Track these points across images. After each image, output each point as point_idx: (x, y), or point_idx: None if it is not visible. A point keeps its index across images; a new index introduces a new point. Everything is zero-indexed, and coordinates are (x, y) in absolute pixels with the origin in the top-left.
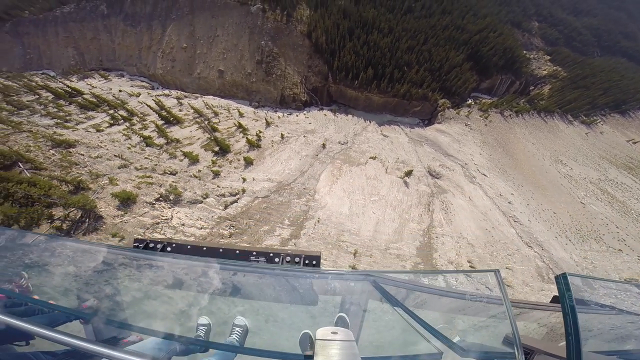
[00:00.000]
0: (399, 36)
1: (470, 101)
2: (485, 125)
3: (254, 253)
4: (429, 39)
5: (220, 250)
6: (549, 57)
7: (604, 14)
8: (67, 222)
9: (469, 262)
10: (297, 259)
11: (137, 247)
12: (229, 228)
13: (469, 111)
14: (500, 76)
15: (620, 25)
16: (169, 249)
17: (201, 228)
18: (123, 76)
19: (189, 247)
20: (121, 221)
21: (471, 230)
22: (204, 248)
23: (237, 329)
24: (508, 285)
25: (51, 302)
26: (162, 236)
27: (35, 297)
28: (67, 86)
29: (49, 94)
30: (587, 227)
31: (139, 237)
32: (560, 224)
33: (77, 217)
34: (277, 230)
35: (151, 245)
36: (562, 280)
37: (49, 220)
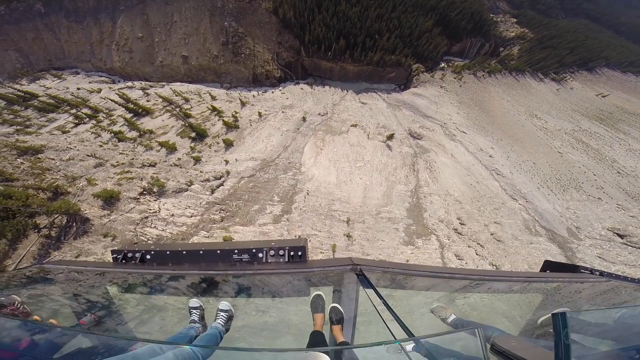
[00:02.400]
0: (367, 5)
1: (443, 64)
2: (460, 86)
3: (236, 251)
4: (397, 7)
5: (201, 252)
6: (515, 20)
7: None
8: (54, 229)
9: (458, 219)
10: (281, 252)
11: (117, 258)
12: (219, 212)
13: (442, 74)
14: (470, 39)
15: None
16: (148, 256)
17: (191, 216)
18: (78, 73)
19: (167, 252)
20: (109, 220)
21: (457, 187)
22: (184, 252)
23: (222, 313)
24: (499, 241)
25: (51, 321)
26: (153, 229)
27: (36, 317)
28: (18, 90)
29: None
30: (566, 176)
31: (116, 248)
32: (540, 174)
33: (64, 223)
34: (268, 207)
35: (129, 255)
36: (559, 318)
37: (36, 229)
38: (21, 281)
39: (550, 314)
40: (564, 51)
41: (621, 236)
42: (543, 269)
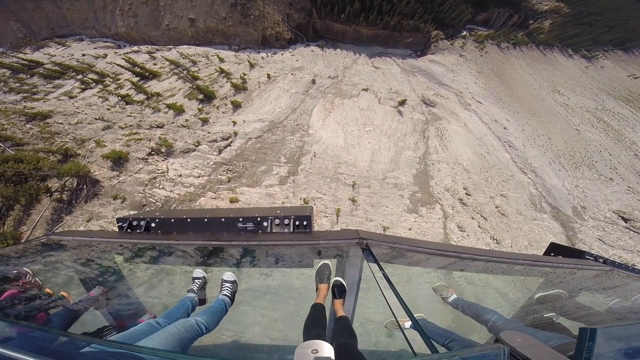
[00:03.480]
0: None
1: (465, 33)
2: (481, 56)
3: (241, 219)
4: None
5: (205, 219)
6: None
7: None
8: (65, 192)
9: (464, 188)
10: (286, 221)
11: (122, 226)
12: (227, 172)
13: (463, 42)
14: (498, 9)
15: None
16: (153, 224)
17: (199, 176)
18: (83, 40)
19: (172, 220)
20: (118, 182)
21: (467, 156)
22: (188, 220)
23: (227, 284)
24: (503, 215)
25: (62, 293)
26: (161, 191)
27: (48, 290)
28: (23, 59)
29: (4, 70)
30: (580, 154)
31: (121, 216)
32: (554, 149)
33: (75, 186)
34: (275, 169)
35: (134, 223)
36: (586, 335)
37: (48, 193)
38: (31, 253)
39: (545, 293)
40: (601, 29)
41: (625, 220)
42: (548, 252)
